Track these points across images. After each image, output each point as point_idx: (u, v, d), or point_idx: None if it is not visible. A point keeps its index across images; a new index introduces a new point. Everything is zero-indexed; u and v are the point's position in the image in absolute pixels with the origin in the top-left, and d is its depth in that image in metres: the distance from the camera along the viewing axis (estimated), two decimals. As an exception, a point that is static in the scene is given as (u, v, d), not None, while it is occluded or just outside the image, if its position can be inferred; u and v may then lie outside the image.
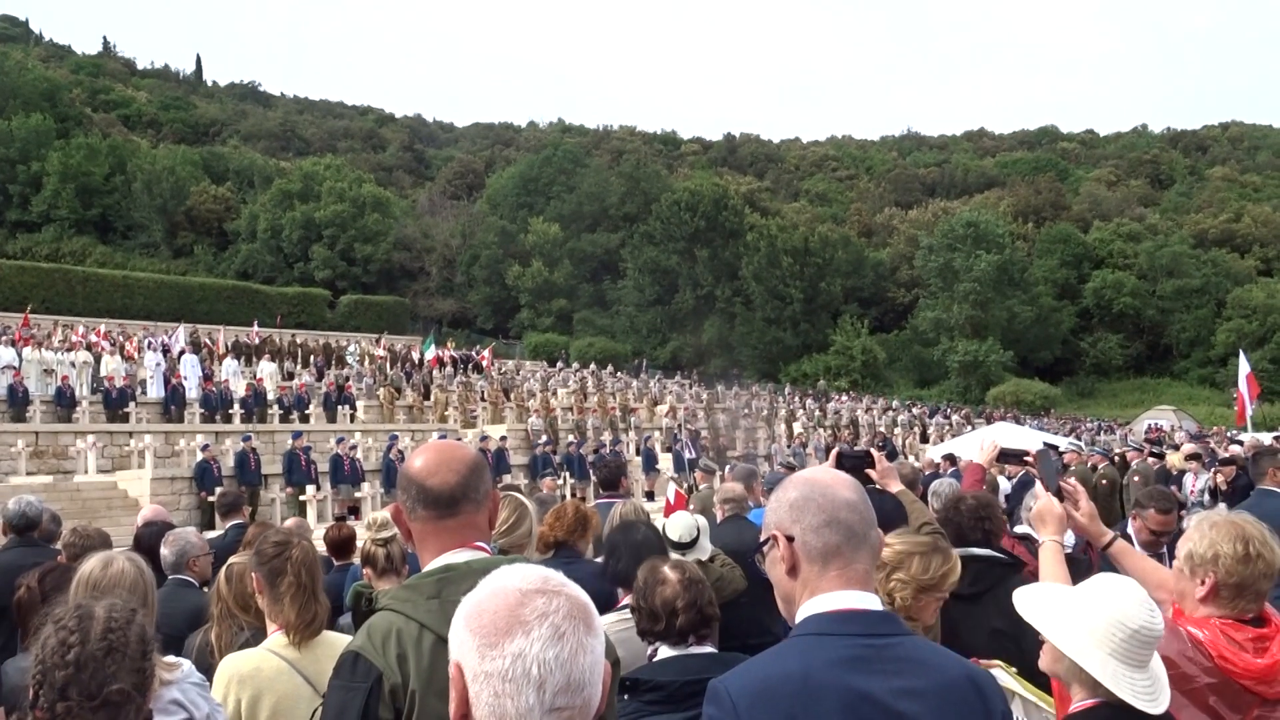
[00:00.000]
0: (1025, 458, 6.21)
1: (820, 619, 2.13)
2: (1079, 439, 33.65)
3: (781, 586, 2.22)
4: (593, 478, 27.00)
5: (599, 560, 5.58)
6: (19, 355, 28.43)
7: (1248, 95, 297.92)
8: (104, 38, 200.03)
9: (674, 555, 4.71)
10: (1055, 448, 19.25)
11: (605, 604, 4.84)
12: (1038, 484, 3.76)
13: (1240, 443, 21.45)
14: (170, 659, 3.23)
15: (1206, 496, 14.37)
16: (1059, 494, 3.64)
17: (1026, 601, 2.72)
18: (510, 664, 1.41)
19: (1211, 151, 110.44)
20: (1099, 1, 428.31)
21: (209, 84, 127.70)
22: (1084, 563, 5.67)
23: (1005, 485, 12.83)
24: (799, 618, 2.17)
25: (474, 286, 74.78)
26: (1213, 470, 14.54)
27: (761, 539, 2.30)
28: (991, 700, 2.16)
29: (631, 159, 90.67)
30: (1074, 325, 72.66)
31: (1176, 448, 20.84)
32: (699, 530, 5.23)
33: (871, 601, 2.16)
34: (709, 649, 3.64)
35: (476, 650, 1.43)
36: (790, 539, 2.19)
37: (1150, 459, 17.22)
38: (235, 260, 74.45)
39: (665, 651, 3.62)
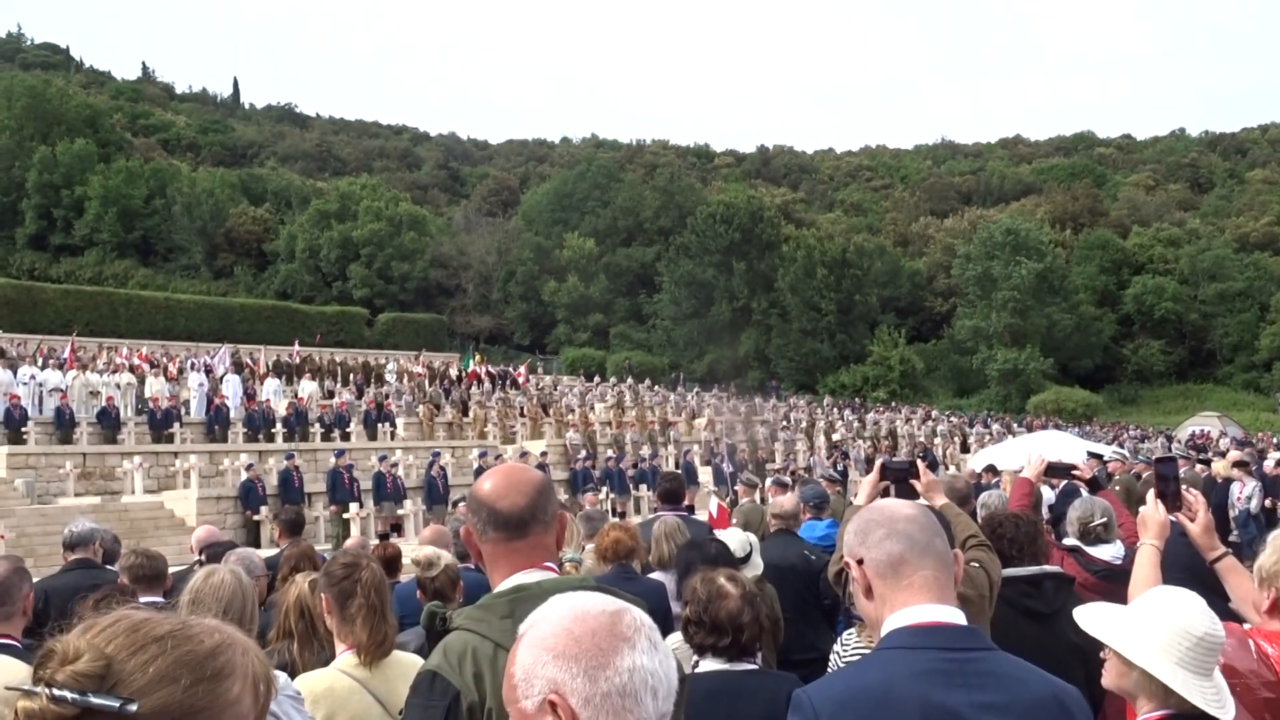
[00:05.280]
0: (1074, 470, 6.21)
1: (904, 633, 2.16)
2: (1122, 447, 33.31)
3: (866, 612, 2.28)
4: (633, 492, 27.05)
5: (653, 577, 5.62)
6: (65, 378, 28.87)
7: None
8: (143, 63, 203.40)
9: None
10: (1116, 458, 19.06)
11: (665, 620, 4.88)
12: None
13: (1287, 449, 21.20)
14: None
15: (1254, 507, 14.22)
16: (1178, 502, 3.64)
17: (1090, 618, 2.74)
18: (628, 678, 1.44)
19: (1251, 154, 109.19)
20: (1133, 5, 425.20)
21: (246, 107, 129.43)
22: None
23: (1049, 495, 12.74)
24: (883, 632, 2.21)
25: (510, 303, 75.09)
26: (1259, 489, 14.37)
27: (833, 571, 2.36)
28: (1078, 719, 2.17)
29: (665, 173, 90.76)
30: (1115, 332, 71.94)
31: (1223, 455, 20.61)
32: (751, 546, 5.26)
33: (955, 615, 2.19)
34: (750, 665, 3.62)
35: (585, 674, 1.44)
36: (860, 562, 2.25)
37: (1197, 466, 17.03)
38: (274, 280, 75.20)
39: (709, 664, 3.61)
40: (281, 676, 3.30)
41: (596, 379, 50.68)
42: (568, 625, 1.49)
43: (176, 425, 27.34)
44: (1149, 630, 2.58)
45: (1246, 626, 3.22)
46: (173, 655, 1.23)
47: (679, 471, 23.47)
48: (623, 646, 1.47)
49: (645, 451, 30.75)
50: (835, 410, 47.50)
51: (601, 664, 1.45)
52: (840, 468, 25.39)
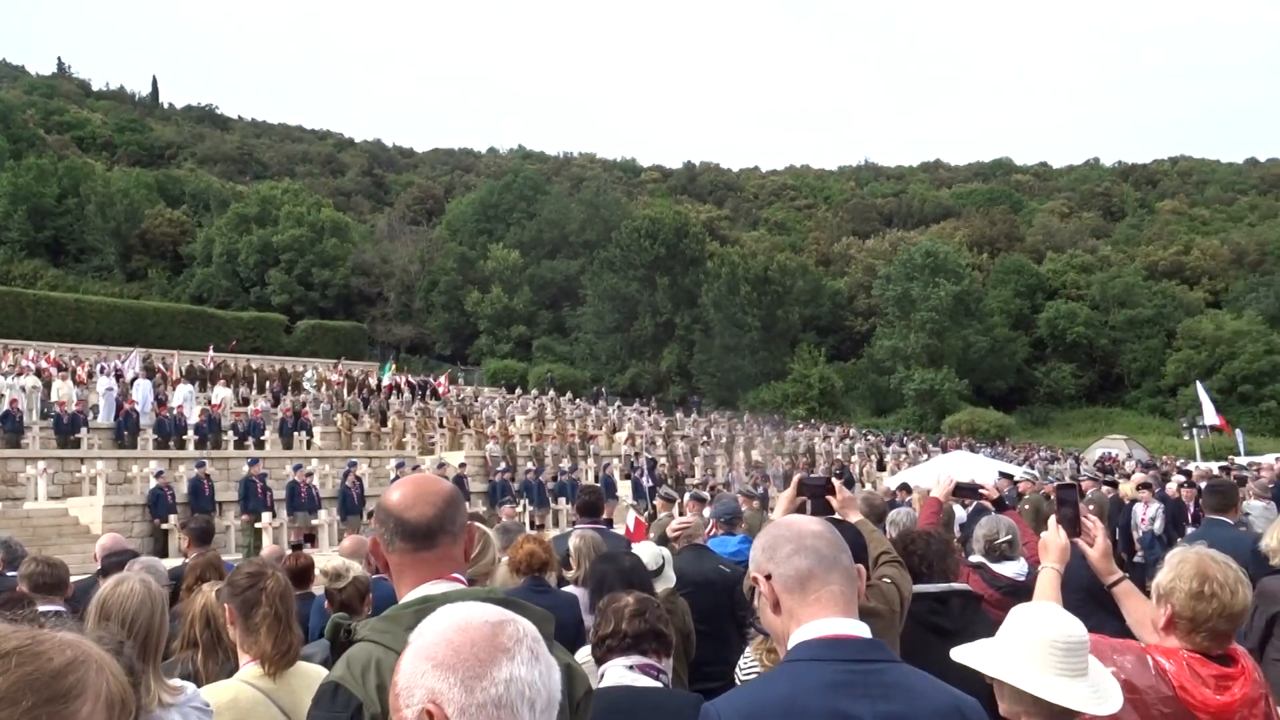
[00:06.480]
0: (980, 490, 6.35)
1: (810, 645, 2.20)
2: (1033, 468, 33.99)
3: (773, 626, 2.31)
4: (552, 505, 26.97)
5: (566, 590, 5.60)
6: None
7: (1196, 130, 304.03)
8: (59, 58, 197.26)
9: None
10: (1026, 479, 19.45)
11: (578, 633, 4.85)
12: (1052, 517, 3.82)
13: (1188, 472, 21.84)
14: (176, 682, 3.26)
15: (1158, 528, 14.59)
16: (1078, 528, 3.73)
17: (965, 654, 2.77)
18: (504, 689, 1.45)
19: (1161, 185, 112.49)
20: (1052, 37, 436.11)
21: (165, 106, 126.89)
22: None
23: (961, 514, 12.97)
24: (790, 645, 2.24)
25: (433, 312, 74.53)
26: (1162, 510, 14.77)
27: (747, 586, 2.39)
28: None
29: (592, 186, 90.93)
30: (1028, 355, 73.60)
31: (1128, 477, 21.14)
32: (664, 560, 5.27)
33: (860, 628, 2.24)
34: (654, 683, 3.58)
35: (462, 684, 1.46)
36: (769, 577, 2.28)
37: (1104, 488, 17.45)
38: (190, 284, 73.80)
39: (612, 676, 3.57)
40: (189, 687, 3.25)
41: (518, 391, 50.50)
42: (449, 636, 1.50)
43: (83, 430, 26.67)
44: (1014, 649, 2.64)
45: (1144, 644, 3.30)
46: (16, 674, 1.18)
47: (598, 485, 23.48)
48: (501, 658, 1.48)
49: (565, 464, 30.71)
50: (755, 426, 47.83)
51: (478, 674, 1.46)
52: (760, 489, 25.54)
